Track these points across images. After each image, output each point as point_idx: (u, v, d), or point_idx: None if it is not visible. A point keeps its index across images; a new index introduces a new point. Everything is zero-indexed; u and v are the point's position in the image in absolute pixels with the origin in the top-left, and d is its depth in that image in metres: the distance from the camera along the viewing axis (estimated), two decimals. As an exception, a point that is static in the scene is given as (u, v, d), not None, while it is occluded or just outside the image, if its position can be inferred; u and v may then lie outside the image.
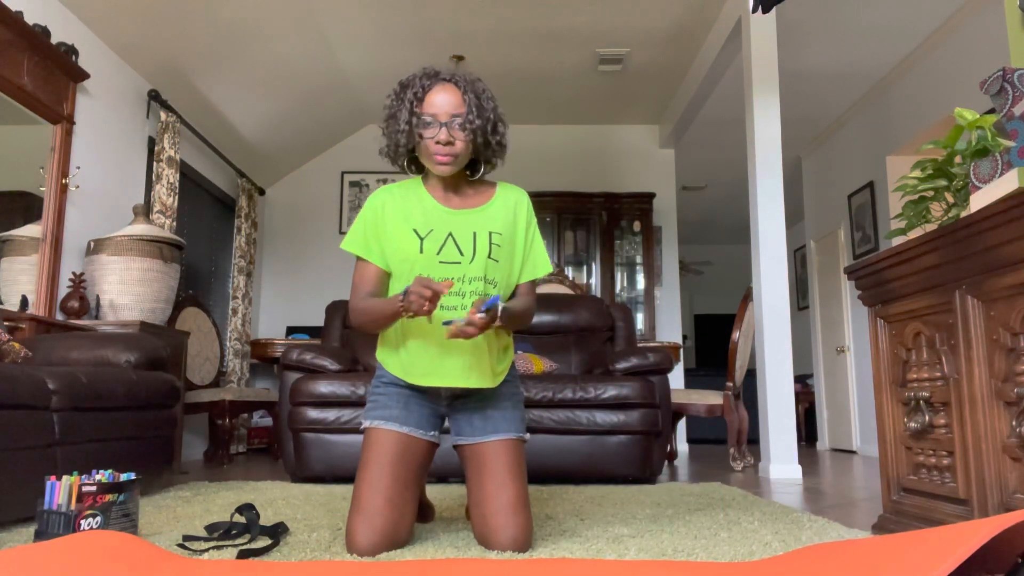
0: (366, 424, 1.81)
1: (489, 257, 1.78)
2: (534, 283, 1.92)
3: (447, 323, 1.60)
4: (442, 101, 1.69)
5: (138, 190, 4.43)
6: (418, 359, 1.79)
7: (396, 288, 1.82)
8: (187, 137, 4.95)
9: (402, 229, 1.78)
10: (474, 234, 1.79)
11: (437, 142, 1.68)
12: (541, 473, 3.29)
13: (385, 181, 6.62)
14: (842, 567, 1.22)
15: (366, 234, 1.80)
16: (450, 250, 1.76)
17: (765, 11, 3.04)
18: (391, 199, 1.82)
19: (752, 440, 4.63)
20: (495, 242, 1.79)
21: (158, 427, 2.86)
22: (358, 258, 1.82)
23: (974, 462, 1.63)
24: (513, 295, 1.89)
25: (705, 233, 9.91)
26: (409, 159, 1.83)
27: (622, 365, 3.52)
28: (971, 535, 0.99)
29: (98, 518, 1.72)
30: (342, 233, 6.56)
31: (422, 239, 1.76)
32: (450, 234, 1.78)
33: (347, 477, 3.33)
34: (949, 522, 1.70)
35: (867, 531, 2.01)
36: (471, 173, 1.85)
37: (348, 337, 3.99)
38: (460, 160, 1.73)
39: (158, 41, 4.29)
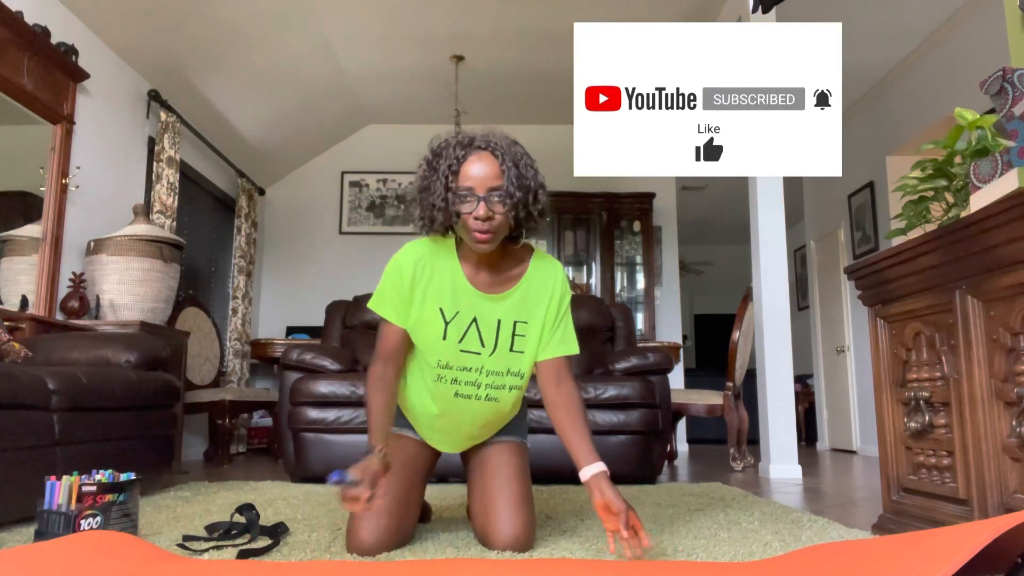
0: None
1: (511, 350, 1.71)
2: (569, 362, 1.77)
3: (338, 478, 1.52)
4: (479, 173, 1.55)
5: (138, 190, 4.42)
6: (434, 434, 1.84)
7: (414, 362, 1.76)
8: (187, 137, 4.95)
9: (428, 305, 1.68)
10: (498, 322, 1.69)
11: (476, 218, 1.55)
12: (541, 473, 3.28)
13: (385, 182, 6.62)
14: (843, 568, 1.22)
15: (395, 299, 1.69)
16: (472, 339, 1.69)
17: (765, 11, 3.05)
18: (419, 269, 1.68)
19: (752, 440, 4.62)
20: (519, 332, 1.71)
21: (158, 427, 2.86)
22: (383, 318, 1.72)
23: (974, 462, 1.63)
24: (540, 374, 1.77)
25: (705, 233, 9.91)
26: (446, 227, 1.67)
27: (622, 365, 3.52)
28: (972, 536, 0.99)
29: (98, 518, 1.72)
30: (342, 233, 6.56)
31: (447, 323, 1.67)
32: (475, 320, 1.68)
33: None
34: (949, 522, 1.70)
35: (867, 531, 2.01)
36: (513, 238, 1.70)
37: (348, 337, 3.99)
38: (499, 235, 1.60)
39: (158, 41, 4.29)
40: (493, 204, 1.55)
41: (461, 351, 1.69)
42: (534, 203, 1.61)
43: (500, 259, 1.70)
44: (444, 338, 1.68)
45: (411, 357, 1.78)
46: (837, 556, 1.31)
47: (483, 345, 1.69)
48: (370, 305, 1.72)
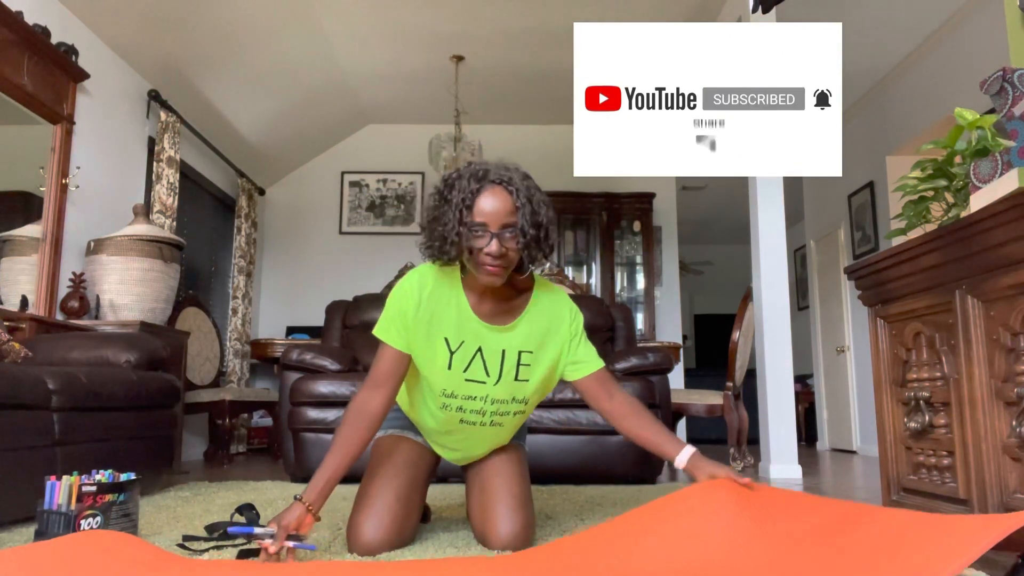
0: (380, 434, 1.86)
1: (516, 379, 1.70)
2: (607, 372, 1.76)
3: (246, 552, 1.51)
4: (493, 208, 1.53)
5: (138, 190, 4.42)
6: (438, 445, 1.85)
7: (422, 397, 1.76)
8: (187, 137, 4.95)
9: (434, 334, 1.66)
10: (503, 352, 1.68)
11: (488, 254, 1.53)
12: (541, 473, 3.29)
13: (385, 182, 6.62)
14: (860, 538, 1.20)
15: (399, 326, 1.67)
16: (477, 368, 1.68)
17: (765, 11, 3.05)
18: (424, 297, 1.66)
19: (752, 440, 4.62)
20: (524, 362, 1.70)
21: (158, 427, 2.86)
22: (383, 341, 1.69)
23: (974, 462, 1.63)
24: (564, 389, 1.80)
25: (705, 233, 9.91)
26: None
27: (622, 365, 3.51)
28: (978, 537, 0.99)
29: (98, 518, 1.72)
30: (342, 233, 6.56)
31: (452, 353, 1.66)
32: (479, 349, 1.67)
33: (347, 477, 3.33)
34: (949, 522, 1.71)
35: (867, 531, 2.01)
36: (516, 270, 1.68)
37: (348, 337, 3.99)
38: (509, 270, 1.59)
39: (158, 41, 4.29)
40: (506, 241, 1.54)
41: (466, 380, 1.68)
42: (545, 240, 1.61)
43: (504, 289, 1.68)
44: (449, 368, 1.67)
45: (416, 384, 1.78)
46: (858, 524, 1.28)
47: (488, 375, 1.69)
48: (375, 332, 1.69)
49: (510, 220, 1.54)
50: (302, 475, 3.33)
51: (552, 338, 1.72)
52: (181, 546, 1.68)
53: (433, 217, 1.59)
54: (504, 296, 1.70)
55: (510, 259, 1.56)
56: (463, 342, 1.67)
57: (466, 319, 1.67)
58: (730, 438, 4.41)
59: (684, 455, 1.60)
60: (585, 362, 1.75)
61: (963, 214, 1.73)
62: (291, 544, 1.45)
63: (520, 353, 1.69)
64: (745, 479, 1.50)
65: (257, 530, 1.46)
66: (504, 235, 1.53)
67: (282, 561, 1.45)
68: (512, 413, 1.74)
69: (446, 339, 1.66)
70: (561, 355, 1.74)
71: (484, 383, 1.69)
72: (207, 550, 1.66)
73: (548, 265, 6.05)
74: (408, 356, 1.68)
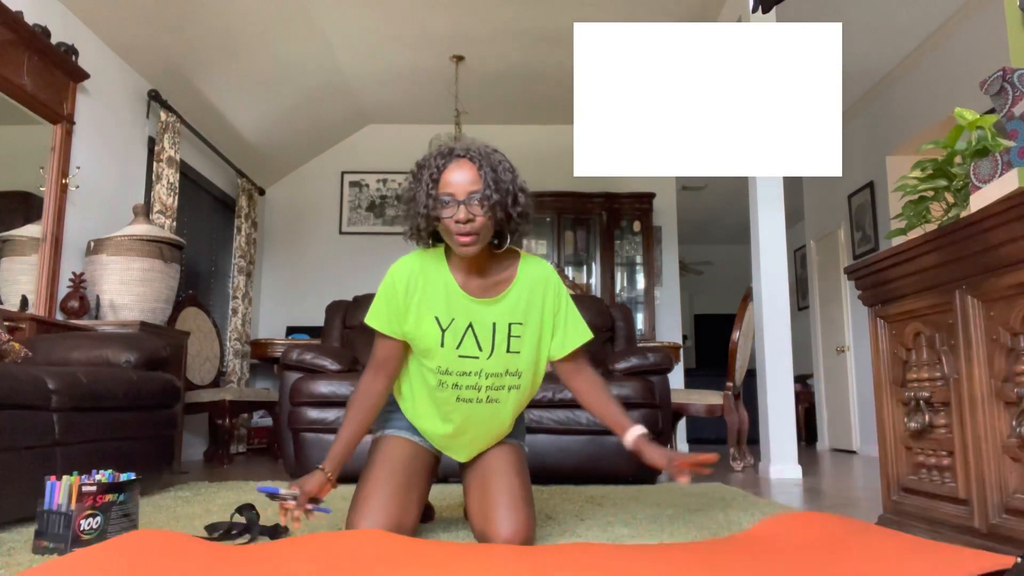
0: (377, 434, 1.87)
1: (508, 351, 1.74)
2: (583, 349, 1.83)
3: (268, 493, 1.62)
4: (458, 179, 1.62)
5: (138, 190, 4.43)
6: (432, 436, 1.85)
7: (417, 369, 1.80)
8: (187, 137, 4.95)
9: (423, 315, 1.73)
10: (493, 325, 1.73)
11: (457, 221, 1.60)
12: (541, 473, 3.29)
13: (385, 182, 6.62)
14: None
15: (388, 313, 1.74)
16: (469, 344, 1.72)
17: (765, 11, 3.04)
18: (412, 280, 1.74)
19: (752, 440, 4.63)
20: (514, 333, 1.74)
21: (158, 427, 2.86)
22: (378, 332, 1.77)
23: (974, 462, 1.63)
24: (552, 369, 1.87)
25: (705, 233, 9.91)
26: (432, 235, 1.76)
27: (622, 365, 3.51)
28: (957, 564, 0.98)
29: (98, 518, 1.72)
30: (342, 233, 6.56)
31: (444, 331, 1.72)
32: (470, 325, 1.73)
33: (347, 477, 3.32)
34: (949, 522, 1.71)
35: (867, 531, 2.01)
36: (497, 244, 1.76)
37: (348, 337, 3.99)
38: (483, 238, 1.65)
39: (158, 41, 4.29)
40: (472, 207, 1.61)
41: (459, 356, 1.73)
42: (513, 205, 1.68)
43: (488, 264, 1.75)
44: (442, 345, 1.72)
45: (414, 368, 1.81)
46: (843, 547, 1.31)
47: (480, 349, 1.73)
48: (366, 319, 1.77)
49: (475, 188, 1.62)
50: (302, 475, 3.33)
51: (538, 306, 1.78)
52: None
53: (409, 198, 1.69)
54: (489, 272, 1.76)
55: (479, 225, 1.62)
56: (453, 319, 1.72)
57: (454, 296, 1.73)
58: (730, 438, 4.41)
59: (631, 435, 1.73)
60: (575, 335, 1.82)
61: (963, 214, 1.73)
62: (311, 507, 1.60)
63: (510, 325, 1.74)
64: (684, 478, 1.62)
65: (282, 491, 1.59)
66: (471, 202, 1.61)
67: (300, 522, 1.60)
68: (507, 388, 1.77)
69: (436, 318, 1.72)
70: (548, 324, 1.80)
71: (477, 358, 1.73)
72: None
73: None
74: (400, 341, 1.76)
